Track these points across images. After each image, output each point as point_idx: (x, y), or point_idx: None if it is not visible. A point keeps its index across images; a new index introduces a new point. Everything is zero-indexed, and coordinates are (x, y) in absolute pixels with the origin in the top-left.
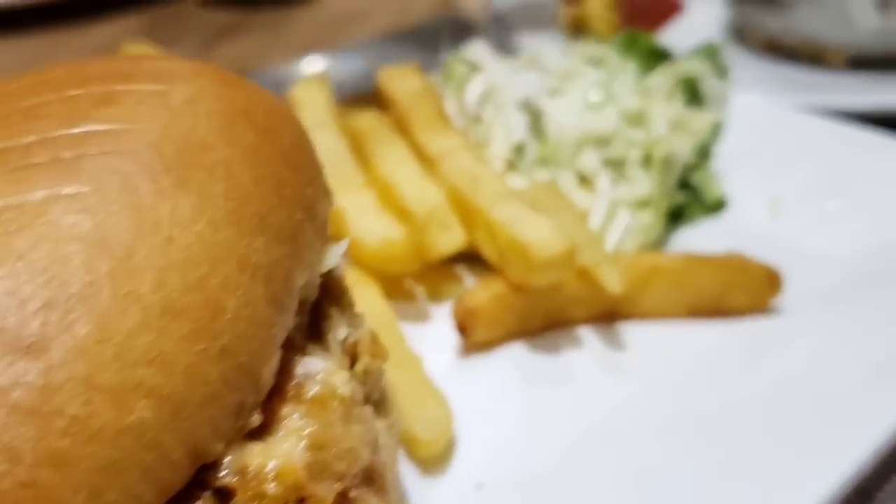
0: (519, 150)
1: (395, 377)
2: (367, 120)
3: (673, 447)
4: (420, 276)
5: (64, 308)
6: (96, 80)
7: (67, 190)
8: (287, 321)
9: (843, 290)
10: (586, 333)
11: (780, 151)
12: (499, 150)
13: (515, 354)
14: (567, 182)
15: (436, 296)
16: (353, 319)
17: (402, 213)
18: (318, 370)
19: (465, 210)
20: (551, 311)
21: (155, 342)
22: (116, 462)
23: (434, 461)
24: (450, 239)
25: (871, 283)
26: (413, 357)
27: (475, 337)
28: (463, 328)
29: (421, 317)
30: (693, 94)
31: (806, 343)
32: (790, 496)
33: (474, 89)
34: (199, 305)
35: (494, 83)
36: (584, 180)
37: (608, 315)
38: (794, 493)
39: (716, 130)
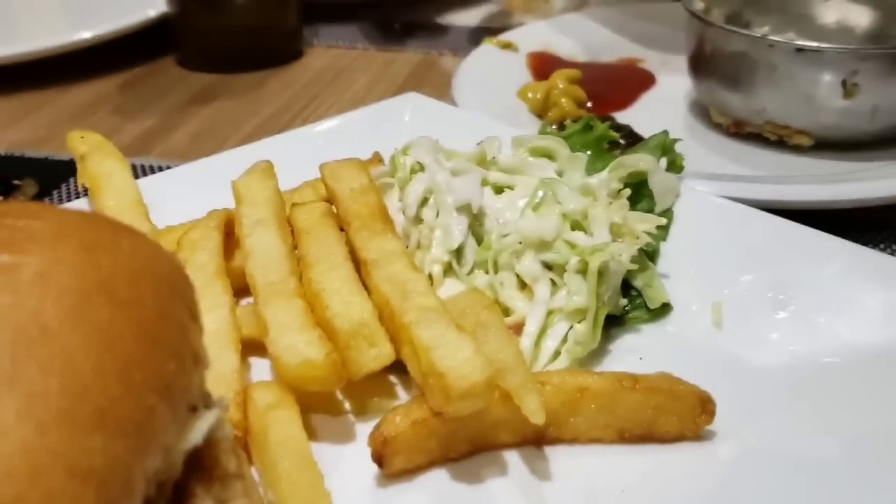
0: (457, 253)
1: None
2: (312, 213)
3: None
4: (347, 390)
5: None
6: None
7: None
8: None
9: (784, 404)
10: (512, 458)
11: (727, 251)
12: (437, 254)
13: (437, 483)
14: (507, 287)
15: (363, 411)
16: (225, 494)
17: (326, 327)
18: None
19: (393, 323)
20: (476, 436)
21: None
22: None
23: None
24: (376, 356)
25: (815, 395)
26: (322, 497)
27: (393, 466)
28: (379, 458)
29: (343, 436)
30: (642, 189)
31: (739, 468)
32: None
33: (415, 190)
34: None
35: (435, 184)
36: (524, 285)
37: (536, 439)
38: None
39: (662, 231)
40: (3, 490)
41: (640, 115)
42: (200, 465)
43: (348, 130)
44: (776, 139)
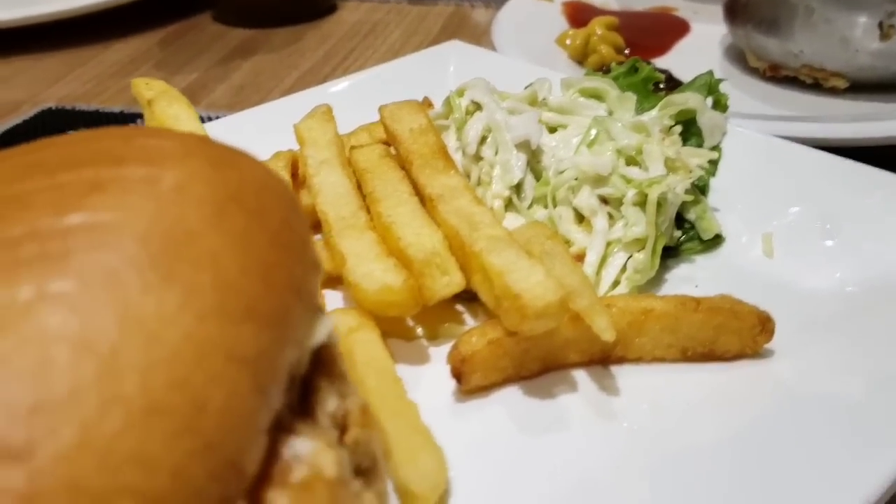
0: (517, 189)
1: (389, 427)
2: (371, 155)
3: (667, 489)
4: (420, 317)
5: (49, 413)
6: (87, 164)
7: (54, 287)
8: (274, 405)
9: (836, 327)
10: (581, 377)
11: (774, 185)
12: (498, 189)
13: (511, 399)
14: (565, 220)
15: (435, 336)
16: (344, 389)
17: (400, 256)
18: (306, 451)
19: (462, 253)
20: (547, 356)
21: (139, 443)
22: None
23: None
24: (448, 283)
25: (863, 318)
26: (409, 406)
27: (471, 383)
28: (458, 374)
29: (419, 358)
30: (691, 127)
31: (798, 385)
32: None
33: (474, 129)
34: (184, 403)
35: (494, 122)
36: (582, 218)
37: (602, 358)
38: None
39: (712, 167)
40: (174, 373)
41: (676, 62)
42: (322, 362)
43: (394, 78)
44: (812, 82)
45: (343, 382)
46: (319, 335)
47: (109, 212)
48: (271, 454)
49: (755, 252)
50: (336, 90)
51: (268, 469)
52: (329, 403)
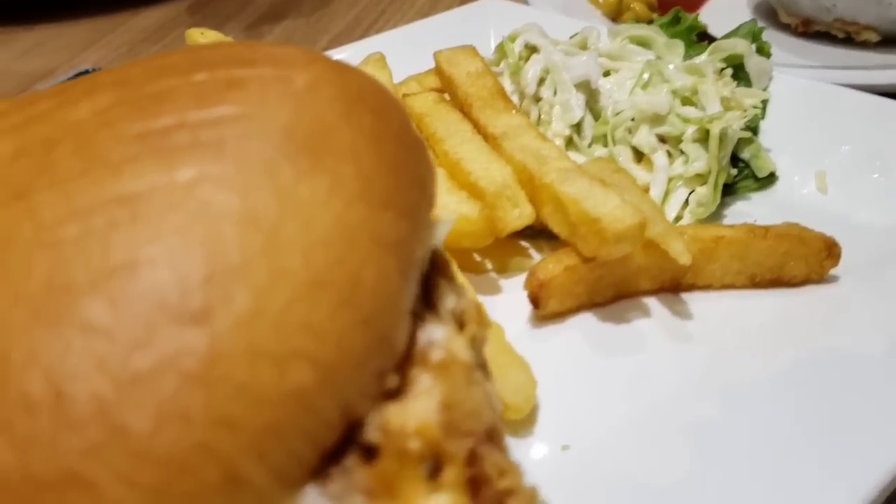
0: (577, 128)
1: None
2: (426, 100)
3: (739, 410)
4: (488, 251)
5: (223, 282)
6: (219, 65)
7: (213, 170)
8: (412, 291)
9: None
10: (653, 303)
11: (822, 127)
12: (558, 128)
13: (586, 324)
14: (624, 159)
15: (504, 269)
16: (459, 290)
17: (471, 190)
18: (439, 337)
19: (531, 186)
20: (619, 283)
21: (307, 313)
22: (280, 425)
23: (521, 425)
24: (519, 215)
25: None
26: (495, 327)
27: (548, 308)
28: (536, 299)
29: (492, 289)
30: (739, 72)
31: (864, 309)
32: (853, 468)
33: (532, 70)
34: (342, 279)
35: (552, 63)
36: (640, 158)
37: (673, 285)
38: (857, 467)
39: (762, 109)
40: (331, 251)
41: (708, 18)
42: (438, 263)
43: (432, 34)
44: (843, 36)
45: (456, 284)
46: (441, 233)
47: (252, 106)
48: (411, 337)
49: (809, 189)
50: (375, 46)
51: (409, 350)
52: (448, 301)
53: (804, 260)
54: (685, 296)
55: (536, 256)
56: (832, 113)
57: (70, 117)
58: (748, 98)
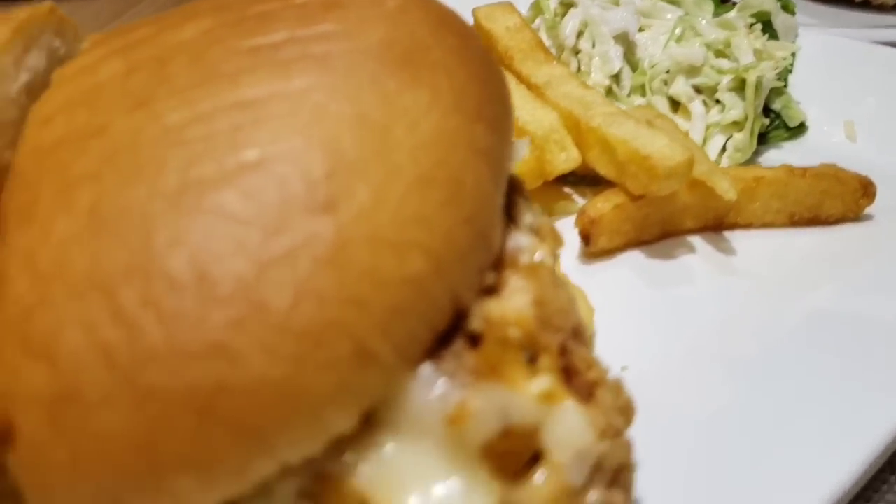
0: (616, 78)
1: None
2: None
3: (779, 342)
4: (534, 195)
5: (344, 177)
6: None
7: (325, 80)
8: (501, 199)
9: None
10: (697, 241)
11: (848, 79)
12: (598, 79)
13: (634, 260)
14: (661, 108)
15: (551, 213)
16: (534, 208)
17: (519, 134)
18: (525, 244)
19: (577, 131)
20: (665, 220)
21: (420, 207)
22: (401, 307)
23: None
24: (566, 158)
25: None
26: None
27: (597, 245)
28: (587, 236)
29: None
30: (767, 28)
31: None
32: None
33: (571, 23)
34: (446, 179)
35: (590, 16)
36: (676, 108)
37: (716, 224)
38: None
39: (793, 59)
40: (435, 153)
41: None
42: (515, 182)
43: None
44: (861, 0)
45: (531, 203)
46: (520, 154)
47: (351, 24)
48: (501, 243)
49: (838, 137)
50: None
51: (500, 255)
52: (526, 217)
53: (840, 198)
54: (727, 234)
55: (580, 201)
56: (857, 66)
57: (176, 38)
58: (779, 50)
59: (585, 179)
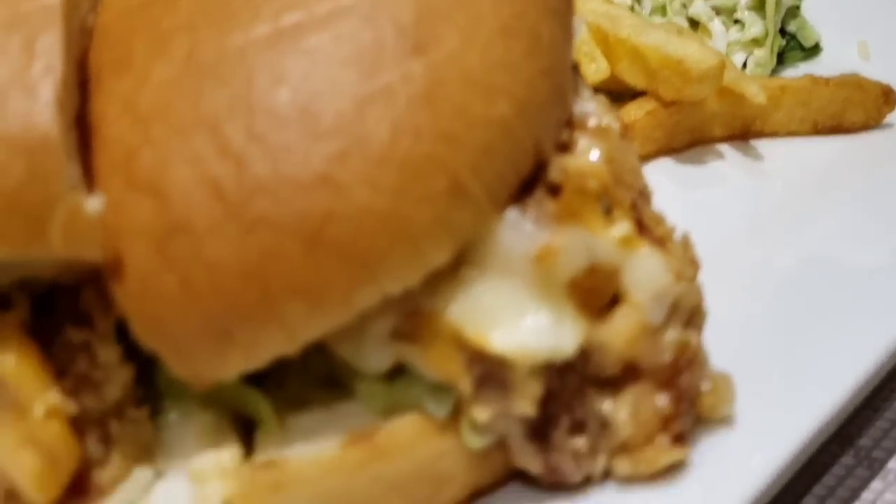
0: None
1: None
2: None
3: (808, 242)
4: None
5: (432, 22)
6: None
7: None
8: (571, 60)
9: None
10: (725, 149)
11: (860, 2)
12: None
13: (665, 166)
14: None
15: None
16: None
17: None
18: (591, 109)
19: (605, 45)
20: (695, 128)
21: (504, 55)
22: (491, 146)
23: None
24: (597, 70)
25: None
26: None
27: None
28: None
29: None
30: None
31: None
32: None
33: None
34: (526, 31)
35: None
36: (695, 28)
37: (743, 132)
38: None
39: None
40: (513, 7)
41: None
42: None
43: None
44: None
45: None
46: (577, 30)
47: None
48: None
49: (852, 56)
50: None
51: (570, 117)
52: (585, 90)
53: (863, 106)
54: (754, 143)
55: None
56: None
57: None
58: None
59: (611, 94)
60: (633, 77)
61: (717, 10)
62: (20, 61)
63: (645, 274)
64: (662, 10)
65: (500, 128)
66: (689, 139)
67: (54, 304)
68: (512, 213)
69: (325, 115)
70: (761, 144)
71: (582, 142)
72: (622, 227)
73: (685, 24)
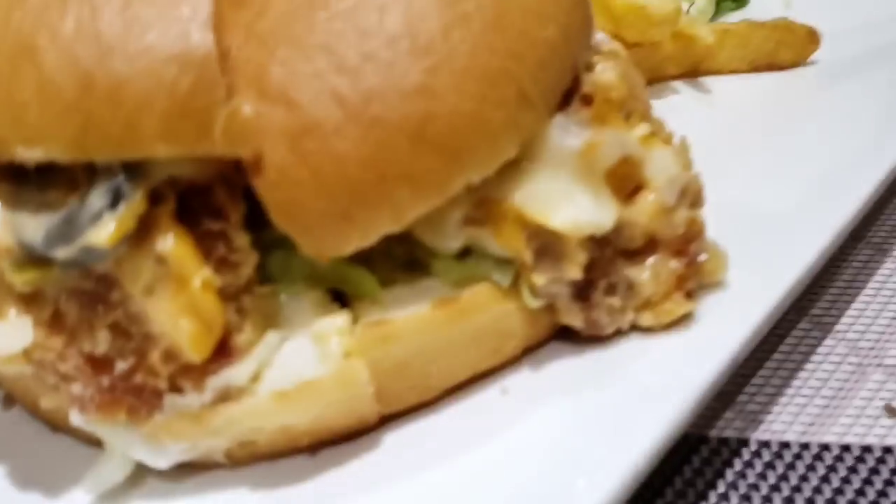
0: None
1: None
2: None
3: (753, 155)
4: None
5: None
6: None
7: None
8: None
9: (859, 56)
10: (679, 85)
11: None
12: None
13: None
14: None
15: None
16: None
17: None
18: (602, 37)
19: None
20: (653, 68)
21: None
22: (544, 62)
23: None
24: None
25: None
26: None
27: None
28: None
29: None
30: None
31: (841, 87)
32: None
33: None
34: None
35: None
36: None
37: (692, 71)
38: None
39: None
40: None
41: None
42: None
43: None
44: None
45: None
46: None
47: None
48: None
49: (776, 6)
50: None
51: None
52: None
53: (792, 46)
54: (702, 79)
55: None
56: None
57: None
58: None
59: None
60: (600, 23)
61: None
62: None
63: (661, 165)
64: None
65: (551, 47)
66: (648, 77)
67: (191, 201)
68: (559, 118)
69: (419, 37)
70: (708, 81)
71: (599, 63)
72: (642, 128)
73: None
